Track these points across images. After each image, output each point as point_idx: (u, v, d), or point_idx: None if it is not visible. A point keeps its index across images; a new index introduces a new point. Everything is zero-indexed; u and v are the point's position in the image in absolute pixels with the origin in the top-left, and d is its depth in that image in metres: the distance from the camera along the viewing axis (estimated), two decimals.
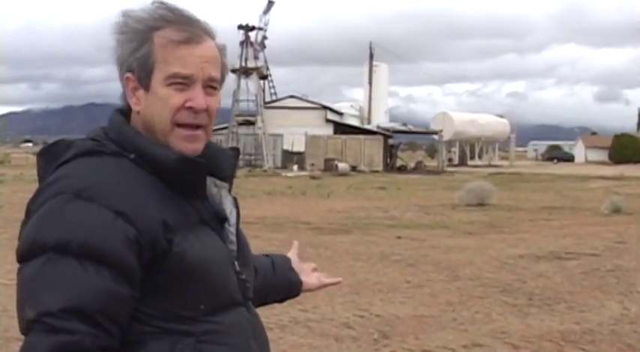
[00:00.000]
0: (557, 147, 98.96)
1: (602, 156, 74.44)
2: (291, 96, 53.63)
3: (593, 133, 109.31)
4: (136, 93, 1.46)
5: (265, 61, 51.28)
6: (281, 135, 49.24)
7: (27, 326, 1.30)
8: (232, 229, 1.53)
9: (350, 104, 62.43)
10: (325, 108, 52.86)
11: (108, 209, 1.33)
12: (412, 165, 54.16)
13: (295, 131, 47.58)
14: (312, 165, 45.42)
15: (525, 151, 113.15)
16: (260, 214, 15.65)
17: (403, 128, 55.43)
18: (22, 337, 1.31)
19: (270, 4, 51.23)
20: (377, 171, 45.24)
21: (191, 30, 1.45)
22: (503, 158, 74.47)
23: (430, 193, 25.55)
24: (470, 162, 65.21)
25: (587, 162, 75.32)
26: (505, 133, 70.35)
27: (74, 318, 1.27)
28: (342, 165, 42.71)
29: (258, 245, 9.56)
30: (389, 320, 6.72)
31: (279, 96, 54.43)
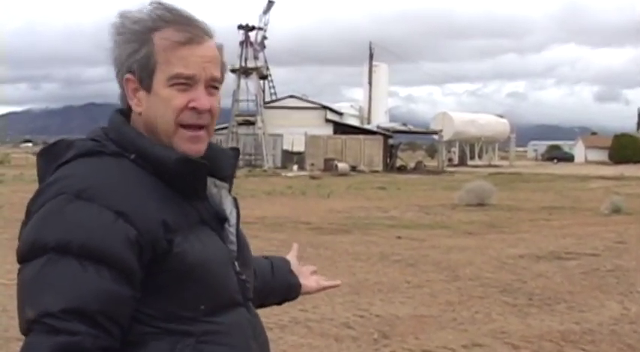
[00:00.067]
0: (557, 147, 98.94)
1: (602, 156, 74.45)
2: (291, 96, 53.63)
3: (593, 133, 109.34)
4: (137, 94, 1.46)
5: (265, 61, 51.34)
6: (281, 135, 49.24)
7: (27, 327, 1.30)
8: (232, 229, 1.53)
9: (350, 104, 62.40)
10: (325, 108, 52.85)
11: (108, 209, 1.33)
12: (412, 165, 54.15)
13: (295, 131, 47.58)
14: (312, 165, 45.41)
15: (525, 151, 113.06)
16: (260, 214, 15.64)
17: (403, 128, 55.42)
18: (23, 337, 1.31)
19: (270, 4, 51.26)
20: (377, 171, 45.21)
21: (191, 30, 1.44)
22: (503, 158, 74.44)
23: (430, 193, 25.54)
24: (470, 162, 65.19)
25: (587, 162, 75.31)
26: (505, 133, 70.35)
27: (75, 319, 1.27)
28: (342, 165, 42.70)
29: (258, 245, 9.55)
30: (389, 320, 6.72)
31: (279, 96, 54.50)
